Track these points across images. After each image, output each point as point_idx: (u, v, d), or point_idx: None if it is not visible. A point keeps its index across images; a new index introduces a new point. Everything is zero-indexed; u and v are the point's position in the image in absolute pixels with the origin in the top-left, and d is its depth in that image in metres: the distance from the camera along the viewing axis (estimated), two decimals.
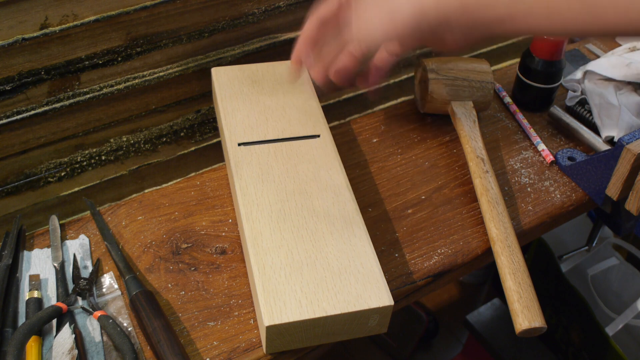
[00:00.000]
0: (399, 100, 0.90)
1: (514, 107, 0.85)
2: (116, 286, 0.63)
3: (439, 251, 0.68)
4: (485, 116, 0.84)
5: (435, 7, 0.56)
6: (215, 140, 0.87)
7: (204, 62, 0.79)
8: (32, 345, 0.55)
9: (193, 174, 0.75)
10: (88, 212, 0.70)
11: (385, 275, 0.58)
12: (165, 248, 0.67)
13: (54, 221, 0.68)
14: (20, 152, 0.73)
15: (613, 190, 0.72)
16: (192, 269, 0.65)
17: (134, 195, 0.72)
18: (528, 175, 0.77)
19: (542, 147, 0.80)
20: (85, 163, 0.78)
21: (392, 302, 0.56)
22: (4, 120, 0.69)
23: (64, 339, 0.56)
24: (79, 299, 0.61)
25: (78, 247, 0.66)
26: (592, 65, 0.83)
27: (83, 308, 0.60)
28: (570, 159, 0.78)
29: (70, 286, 0.62)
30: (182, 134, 0.84)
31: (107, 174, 0.81)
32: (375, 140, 0.80)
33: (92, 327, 0.59)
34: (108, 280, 0.64)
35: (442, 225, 0.70)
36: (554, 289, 1.13)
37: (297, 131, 0.70)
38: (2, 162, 0.72)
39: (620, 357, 1.01)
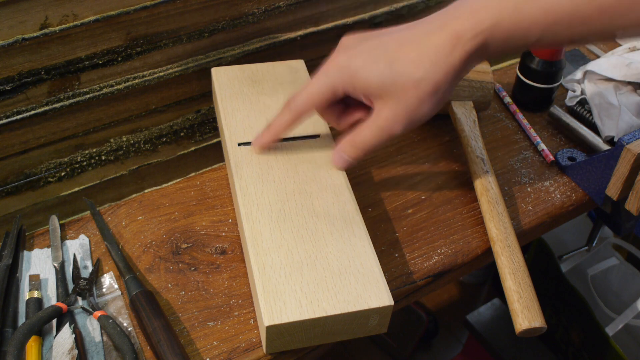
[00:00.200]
0: None
1: (514, 107, 0.85)
2: (116, 286, 0.63)
3: (439, 251, 0.68)
4: (485, 116, 0.84)
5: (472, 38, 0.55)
6: (215, 140, 0.87)
7: (204, 62, 0.79)
8: (32, 345, 0.55)
9: (193, 174, 0.75)
10: (88, 212, 0.70)
11: (385, 275, 0.58)
12: (165, 248, 0.67)
13: (54, 221, 0.68)
14: (20, 152, 0.73)
15: (613, 190, 0.72)
16: (192, 269, 0.65)
17: (134, 195, 0.72)
18: (528, 175, 0.77)
19: (542, 147, 0.80)
20: (85, 163, 0.78)
21: (392, 302, 0.56)
22: (4, 120, 0.69)
23: (64, 339, 0.56)
24: (79, 299, 0.61)
25: (78, 247, 0.66)
26: (592, 65, 0.83)
27: (83, 308, 0.60)
28: (570, 159, 0.78)
29: (70, 286, 0.62)
30: (182, 134, 0.84)
31: (107, 174, 0.81)
32: None
33: (92, 327, 0.59)
34: (108, 280, 0.64)
35: (442, 225, 0.70)
36: (554, 289, 1.13)
37: (297, 131, 0.69)
38: (2, 162, 0.72)
39: (620, 357, 1.01)
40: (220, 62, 0.80)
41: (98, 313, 0.59)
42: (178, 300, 0.62)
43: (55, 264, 0.64)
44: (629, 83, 0.82)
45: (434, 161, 0.78)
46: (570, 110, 0.85)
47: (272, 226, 0.60)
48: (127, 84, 0.75)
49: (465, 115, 0.77)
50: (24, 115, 0.70)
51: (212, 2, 0.75)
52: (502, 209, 0.68)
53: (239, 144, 0.68)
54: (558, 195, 0.75)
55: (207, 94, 0.82)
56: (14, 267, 0.63)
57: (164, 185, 0.73)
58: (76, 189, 0.80)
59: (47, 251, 0.66)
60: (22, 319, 0.60)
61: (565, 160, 0.78)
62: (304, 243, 0.59)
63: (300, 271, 0.57)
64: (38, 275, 0.63)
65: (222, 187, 0.73)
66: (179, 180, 0.74)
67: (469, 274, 1.21)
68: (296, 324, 0.54)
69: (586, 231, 1.14)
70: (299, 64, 0.78)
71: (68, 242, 0.66)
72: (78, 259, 0.64)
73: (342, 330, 0.57)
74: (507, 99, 0.87)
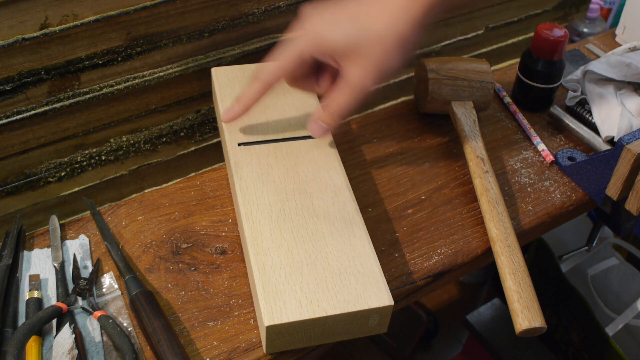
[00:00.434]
0: (399, 100, 0.90)
1: (514, 107, 0.85)
2: (116, 286, 0.63)
3: (439, 251, 0.68)
4: (485, 116, 0.84)
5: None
6: (215, 140, 0.87)
7: (204, 62, 0.79)
8: (32, 345, 0.55)
9: (193, 174, 0.75)
10: (88, 212, 0.70)
11: (385, 275, 0.58)
12: (165, 248, 0.67)
13: (54, 221, 0.68)
14: (20, 152, 0.73)
15: (613, 190, 0.72)
16: (192, 269, 0.65)
17: (134, 195, 0.72)
18: (528, 175, 0.77)
19: (542, 147, 0.80)
20: (85, 163, 0.78)
21: (392, 302, 0.56)
22: (4, 120, 0.69)
23: (64, 339, 0.56)
24: (79, 299, 0.61)
25: (78, 247, 0.66)
26: (592, 65, 0.83)
27: (83, 308, 0.60)
28: (570, 159, 0.78)
29: (70, 286, 0.62)
30: (182, 134, 0.84)
31: (107, 174, 0.81)
32: (375, 140, 0.80)
33: (92, 327, 0.59)
34: (108, 280, 0.64)
35: (442, 225, 0.70)
36: (554, 289, 1.13)
37: (297, 131, 0.70)
38: (2, 162, 0.72)
39: (620, 357, 1.01)
40: (220, 62, 0.80)
41: (98, 313, 0.59)
42: (178, 300, 0.62)
43: (55, 264, 0.64)
44: (629, 83, 0.82)
45: (434, 161, 0.78)
46: (570, 110, 0.85)
47: (272, 226, 0.60)
48: (127, 84, 0.75)
49: (465, 115, 0.77)
50: (24, 115, 0.70)
51: (212, 2, 0.75)
52: (502, 209, 0.68)
53: (239, 144, 0.68)
54: (558, 195, 0.75)
55: (207, 94, 0.82)
56: (14, 267, 0.63)
57: (164, 185, 0.73)
58: (76, 189, 0.80)
59: (47, 251, 0.66)
60: (22, 319, 0.60)
61: (565, 160, 0.78)
62: (304, 243, 0.59)
63: (300, 271, 0.57)
64: (38, 275, 0.63)
65: (222, 187, 0.73)
66: (179, 180, 0.74)
67: (469, 274, 1.21)
68: (296, 324, 0.54)
69: (586, 231, 1.14)
70: None
71: (68, 242, 0.66)
72: (78, 259, 0.64)
73: (342, 330, 0.57)
74: (507, 99, 0.87)
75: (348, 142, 0.79)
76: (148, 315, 0.58)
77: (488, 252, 0.69)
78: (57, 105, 0.72)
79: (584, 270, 1.17)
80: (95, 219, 0.68)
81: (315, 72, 0.66)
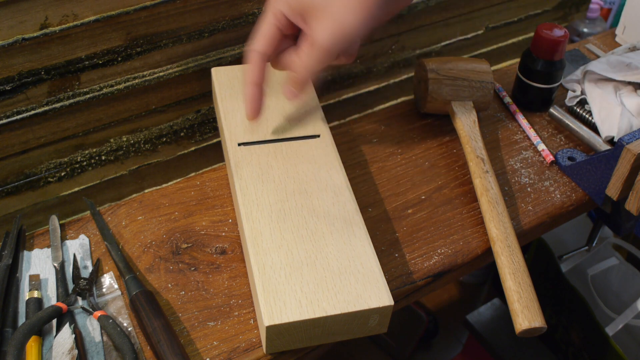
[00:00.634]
0: (399, 100, 0.90)
1: (514, 107, 0.85)
2: (116, 286, 0.63)
3: (439, 251, 0.68)
4: (485, 116, 0.84)
5: None
6: (215, 140, 0.87)
7: (204, 62, 0.79)
8: (32, 345, 0.55)
9: (193, 174, 0.75)
10: (88, 212, 0.70)
11: (385, 275, 0.58)
12: (165, 248, 0.67)
13: (54, 221, 0.68)
14: (20, 152, 0.73)
15: (613, 190, 0.72)
16: (192, 269, 0.65)
17: (134, 195, 0.72)
18: (528, 175, 0.77)
19: (542, 147, 0.80)
20: (85, 163, 0.78)
21: (392, 302, 0.56)
22: (4, 120, 0.69)
23: (64, 339, 0.56)
24: (79, 299, 0.61)
25: (78, 247, 0.66)
26: (592, 65, 0.83)
27: (83, 308, 0.60)
28: (570, 159, 0.78)
29: (70, 286, 0.62)
30: (182, 134, 0.84)
31: (107, 174, 0.81)
32: (375, 140, 0.80)
33: (92, 327, 0.59)
34: (108, 280, 0.64)
35: (442, 225, 0.70)
36: (554, 289, 1.13)
37: (297, 131, 0.70)
38: (2, 162, 0.72)
39: (620, 357, 1.01)
40: (220, 62, 0.80)
41: (98, 313, 0.59)
42: (178, 300, 0.62)
43: (55, 264, 0.64)
44: (629, 83, 0.82)
45: (434, 161, 0.78)
46: (570, 110, 0.85)
47: (272, 226, 0.60)
48: (127, 84, 0.75)
49: (465, 115, 0.77)
50: (24, 115, 0.70)
51: (212, 2, 0.75)
52: (502, 209, 0.68)
53: (239, 144, 0.68)
54: (558, 195, 0.75)
55: (207, 94, 0.82)
56: (14, 267, 0.63)
57: (164, 185, 0.73)
58: (76, 189, 0.80)
59: (47, 251, 0.66)
60: (22, 319, 0.60)
61: (565, 160, 0.78)
62: (304, 243, 0.59)
63: (300, 271, 0.57)
64: (38, 275, 0.63)
65: (222, 187, 0.73)
66: (179, 180, 0.74)
67: (469, 274, 1.21)
68: (296, 324, 0.54)
69: (586, 231, 1.14)
70: None
71: (68, 242, 0.66)
72: (78, 259, 0.64)
73: (342, 330, 0.57)
74: (507, 99, 0.87)
75: (348, 142, 0.79)
76: (148, 315, 0.58)
77: (488, 252, 0.69)
78: (57, 105, 0.72)
79: (584, 270, 1.17)
80: (95, 219, 0.68)
81: (296, 48, 0.66)
